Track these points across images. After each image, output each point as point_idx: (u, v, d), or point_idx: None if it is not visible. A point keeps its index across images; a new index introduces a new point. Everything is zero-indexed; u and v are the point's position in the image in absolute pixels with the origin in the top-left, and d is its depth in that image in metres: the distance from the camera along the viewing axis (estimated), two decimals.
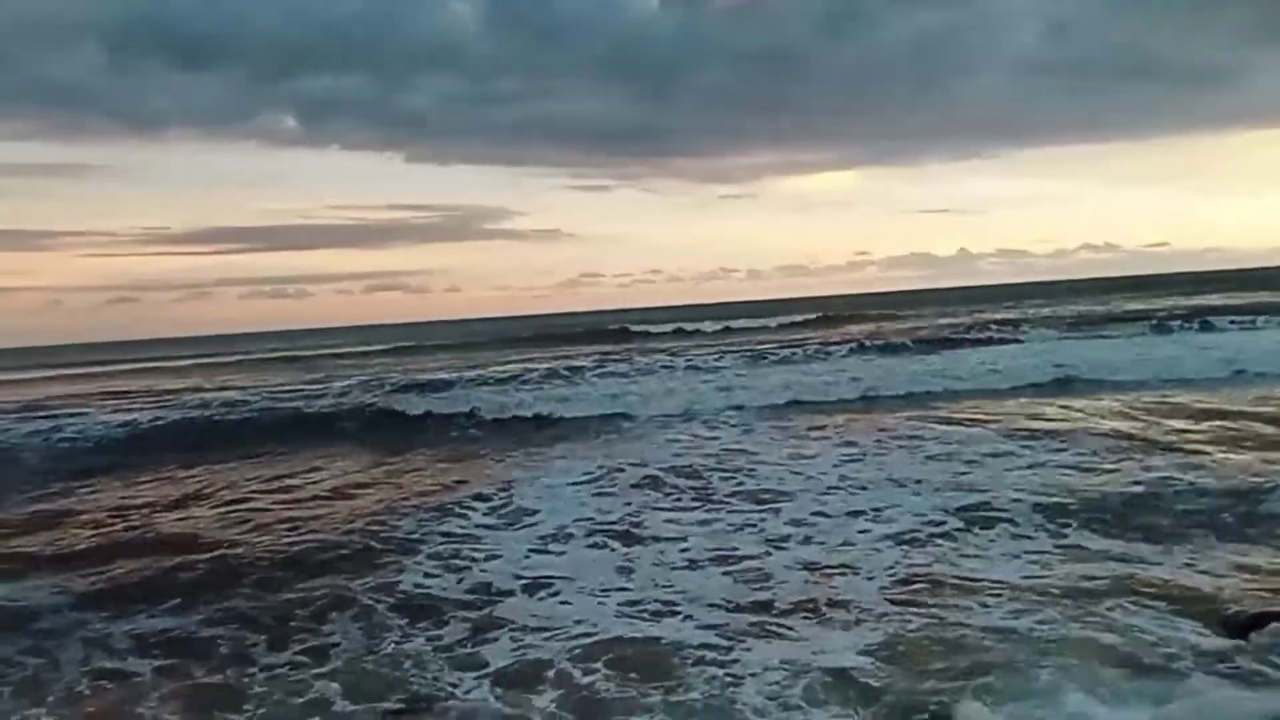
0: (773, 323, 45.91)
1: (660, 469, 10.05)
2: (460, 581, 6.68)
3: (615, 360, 23.53)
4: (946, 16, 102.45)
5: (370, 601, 6.22)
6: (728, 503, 8.61)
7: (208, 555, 7.58)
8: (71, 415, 17.15)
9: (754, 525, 7.73)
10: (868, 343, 24.81)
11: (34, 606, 6.42)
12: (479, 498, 9.22)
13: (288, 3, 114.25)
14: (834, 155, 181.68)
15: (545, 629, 5.64)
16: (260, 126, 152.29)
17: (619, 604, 6.02)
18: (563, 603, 6.17)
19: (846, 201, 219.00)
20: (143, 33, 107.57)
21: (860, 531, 7.38)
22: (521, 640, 5.50)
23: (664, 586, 6.31)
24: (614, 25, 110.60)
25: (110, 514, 9.70)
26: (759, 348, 25.60)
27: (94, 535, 8.73)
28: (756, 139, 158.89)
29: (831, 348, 24.15)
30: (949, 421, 12.25)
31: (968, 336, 25.94)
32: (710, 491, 9.05)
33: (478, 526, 8.24)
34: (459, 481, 10.42)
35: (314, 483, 10.90)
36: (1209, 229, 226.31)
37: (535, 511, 8.56)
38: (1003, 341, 24.40)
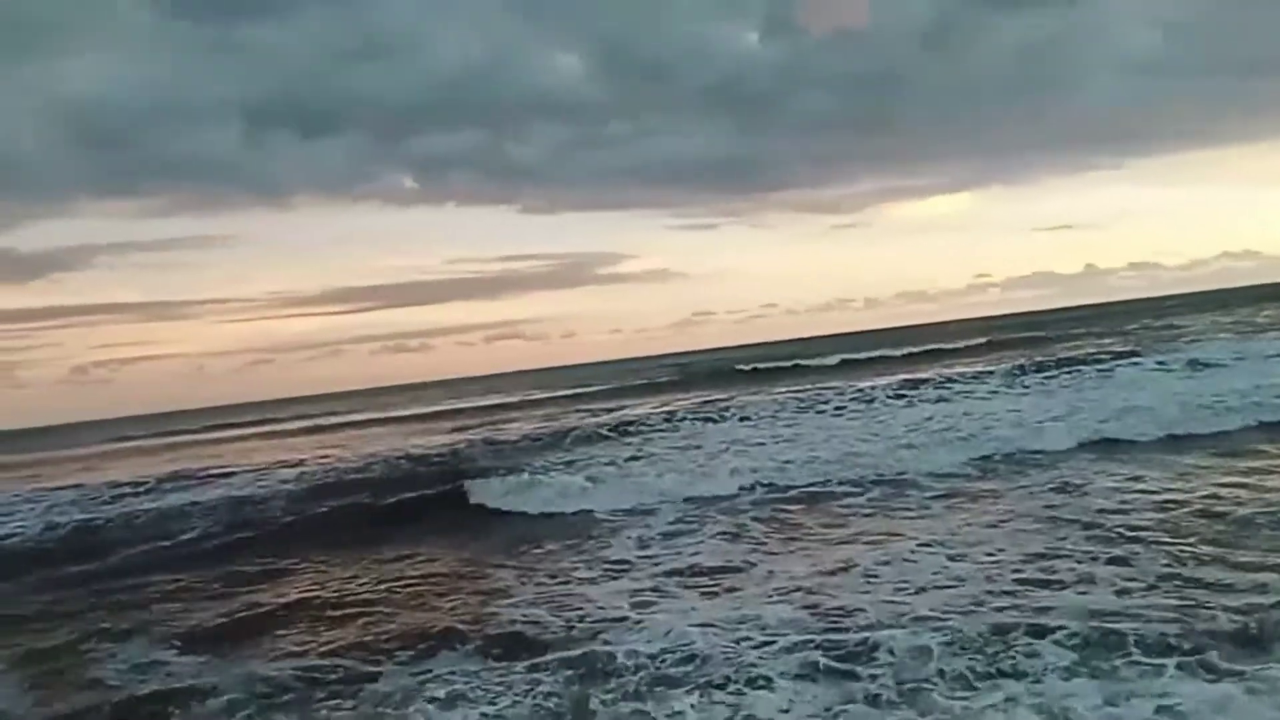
0: (898, 352, 43.63)
1: None
2: None
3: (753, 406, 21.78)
4: (1052, 21, 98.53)
5: None
6: None
7: None
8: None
9: None
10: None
11: None
12: None
13: (402, 67, 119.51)
14: (945, 178, 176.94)
15: None
16: (381, 187, 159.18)
17: None
18: None
19: (962, 224, 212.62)
20: (274, 106, 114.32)
21: None
22: None
23: None
24: (715, 60, 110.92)
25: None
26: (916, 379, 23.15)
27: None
28: (864, 166, 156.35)
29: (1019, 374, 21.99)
30: None
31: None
32: None
33: None
34: None
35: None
36: None
37: None
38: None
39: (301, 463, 20.25)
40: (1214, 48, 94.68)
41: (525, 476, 14.20)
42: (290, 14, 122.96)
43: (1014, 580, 7.24)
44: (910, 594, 7.22)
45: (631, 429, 20.10)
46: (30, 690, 7.25)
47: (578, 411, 29.11)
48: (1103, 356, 23.47)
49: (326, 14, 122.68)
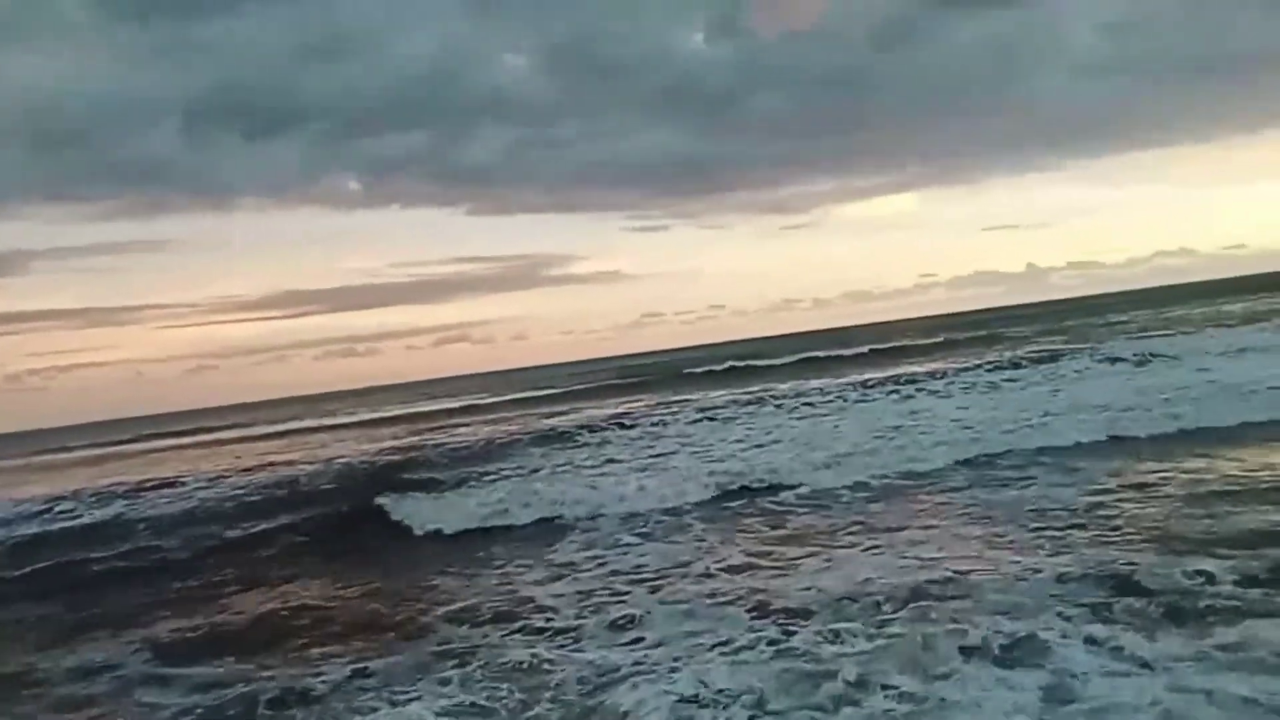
0: (849, 351, 43.70)
1: None
2: None
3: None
4: (1001, 23, 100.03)
5: None
6: None
7: None
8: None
9: None
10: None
11: None
12: None
13: (349, 68, 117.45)
14: (893, 178, 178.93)
15: None
16: (326, 190, 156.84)
17: None
18: None
19: (909, 224, 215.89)
20: (218, 108, 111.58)
21: None
22: None
23: None
24: (665, 61, 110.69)
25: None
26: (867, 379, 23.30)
27: None
28: (814, 166, 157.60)
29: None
30: None
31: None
32: None
33: None
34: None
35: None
36: None
37: None
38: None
39: (220, 479, 19.35)
40: (1156, 49, 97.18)
41: (446, 495, 13.46)
42: (235, 14, 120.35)
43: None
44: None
45: (580, 434, 19.60)
46: None
47: (524, 416, 28.55)
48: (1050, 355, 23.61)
49: (273, 15, 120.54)
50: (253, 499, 15.47)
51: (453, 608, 8.25)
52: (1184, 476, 9.98)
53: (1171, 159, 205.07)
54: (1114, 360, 21.41)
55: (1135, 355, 21.55)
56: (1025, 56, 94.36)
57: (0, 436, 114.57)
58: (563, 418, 24.43)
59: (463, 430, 25.39)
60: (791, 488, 11.93)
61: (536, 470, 15.56)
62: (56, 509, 16.39)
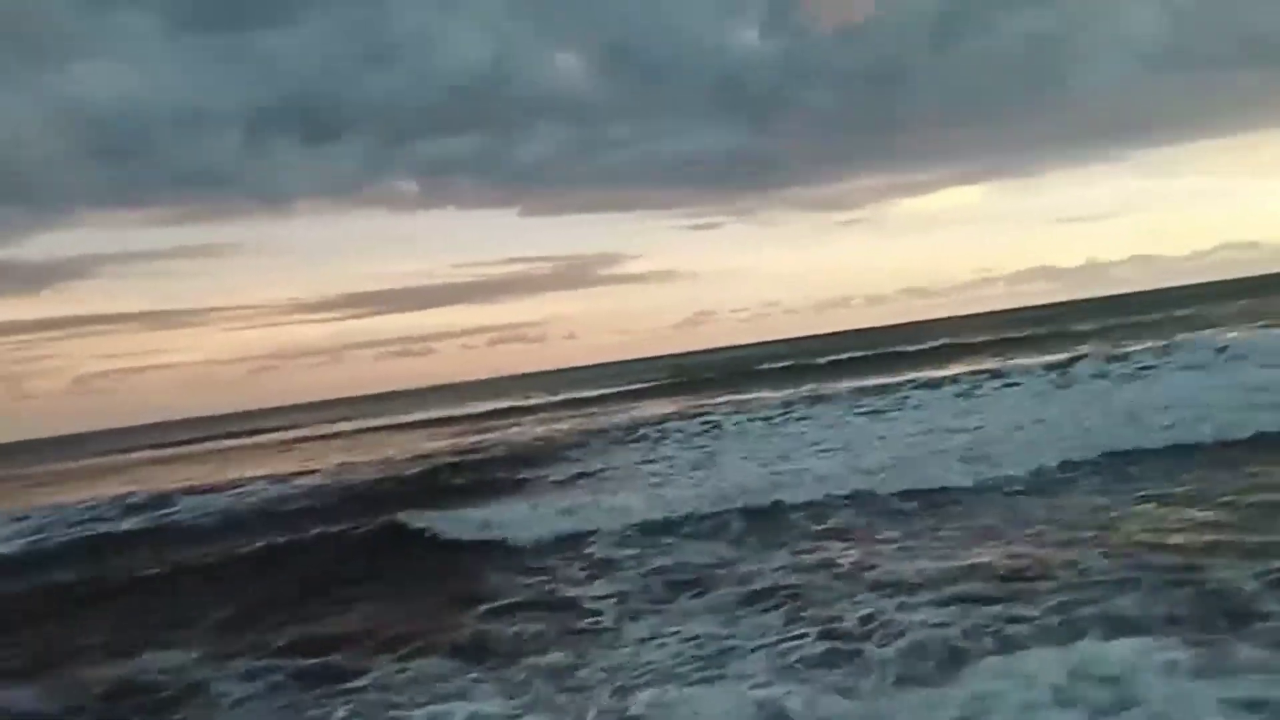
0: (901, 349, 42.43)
1: None
2: None
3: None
4: (1056, 12, 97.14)
5: None
6: None
7: None
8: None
9: None
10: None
11: None
12: None
13: (405, 72, 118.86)
14: (950, 172, 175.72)
15: None
16: (383, 192, 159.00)
17: None
18: None
19: (967, 218, 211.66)
20: (278, 113, 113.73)
21: None
22: None
23: None
24: (718, 59, 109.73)
25: None
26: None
27: None
28: (869, 161, 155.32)
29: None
30: None
31: None
32: None
33: None
34: None
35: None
36: None
37: None
38: None
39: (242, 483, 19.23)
40: (1222, 35, 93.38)
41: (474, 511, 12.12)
42: (295, 22, 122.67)
43: None
44: None
45: (636, 435, 19.22)
46: None
47: (574, 416, 28.26)
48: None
49: (330, 21, 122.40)
50: (331, 500, 15.72)
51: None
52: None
53: (1238, 147, 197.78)
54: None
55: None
56: (1085, 45, 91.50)
57: (71, 436, 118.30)
58: (622, 415, 24.07)
59: (512, 431, 25.23)
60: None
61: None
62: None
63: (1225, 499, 8.42)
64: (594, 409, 30.94)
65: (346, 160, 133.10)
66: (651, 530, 10.20)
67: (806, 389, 23.91)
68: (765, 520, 10.04)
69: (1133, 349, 22.11)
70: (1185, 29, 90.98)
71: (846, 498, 10.50)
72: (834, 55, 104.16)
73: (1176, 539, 7.33)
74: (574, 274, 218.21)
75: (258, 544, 11.86)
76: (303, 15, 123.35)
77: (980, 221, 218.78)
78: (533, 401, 42.50)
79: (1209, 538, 7.21)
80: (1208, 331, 25.84)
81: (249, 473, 21.67)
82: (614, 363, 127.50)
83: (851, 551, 8.34)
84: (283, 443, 36.55)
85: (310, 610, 8.82)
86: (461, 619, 7.78)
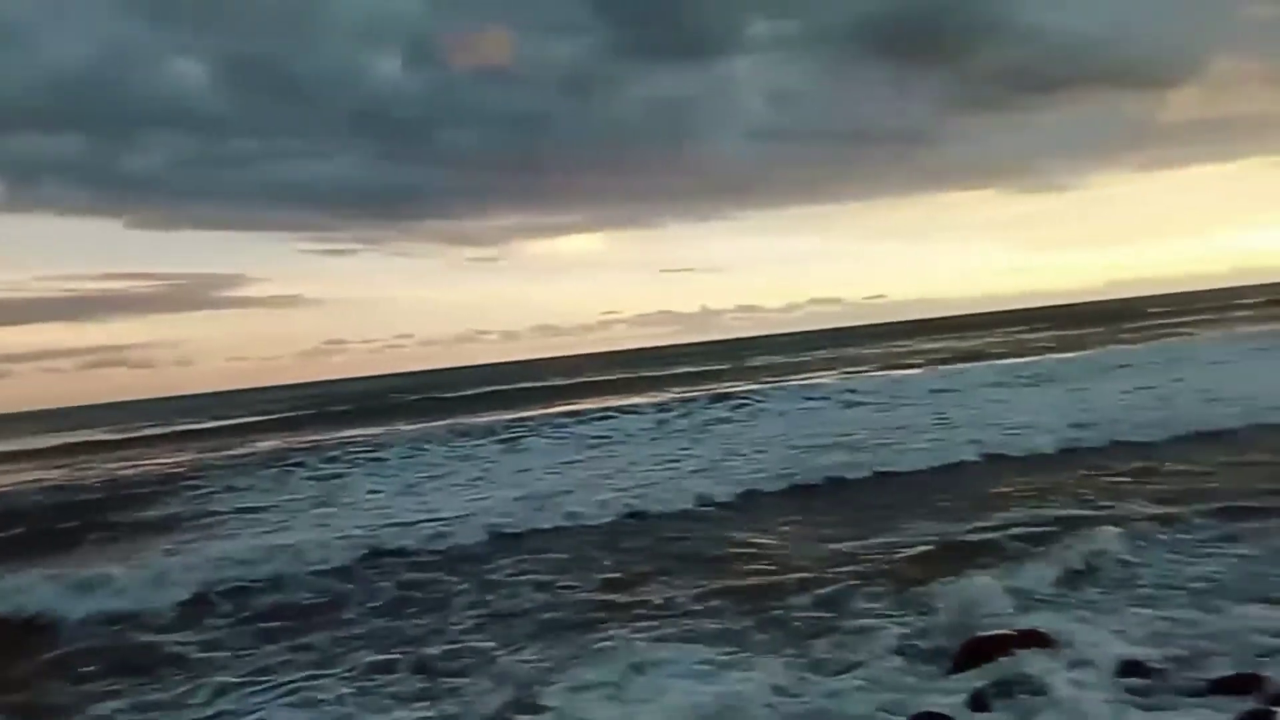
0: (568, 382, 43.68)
1: None
2: None
3: None
4: (681, 82, 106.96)
5: None
6: None
7: None
8: None
9: None
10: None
11: None
12: None
13: None
14: (581, 218, 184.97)
15: None
16: None
17: None
18: None
19: (594, 263, 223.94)
20: None
21: None
22: None
23: None
24: (357, 84, 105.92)
25: None
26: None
27: None
28: (504, 201, 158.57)
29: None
30: None
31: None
32: None
33: None
34: None
35: None
36: (922, 280, 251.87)
37: None
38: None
39: None
40: (816, 119, 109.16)
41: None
42: None
43: None
44: None
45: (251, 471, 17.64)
46: None
47: (177, 450, 25.49)
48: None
49: None
50: None
51: None
52: None
53: (828, 215, 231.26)
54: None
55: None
56: (704, 116, 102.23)
57: None
58: (239, 448, 22.08)
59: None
60: None
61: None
62: None
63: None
64: (202, 442, 28.16)
65: None
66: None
67: (443, 423, 23.73)
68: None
69: (736, 388, 24.81)
70: (787, 109, 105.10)
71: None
72: (474, 95, 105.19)
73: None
74: (188, 294, 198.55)
75: None
76: None
77: (607, 266, 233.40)
78: (122, 435, 37.48)
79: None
80: (796, 378, 29.73)
81: None
82: (231, 391, 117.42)
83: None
84: None
85: None
86: None
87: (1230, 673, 4.68)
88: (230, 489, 15.89)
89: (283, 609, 8.35)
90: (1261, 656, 4.91)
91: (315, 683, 6.22)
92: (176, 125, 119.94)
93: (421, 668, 6.35)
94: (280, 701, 5.96)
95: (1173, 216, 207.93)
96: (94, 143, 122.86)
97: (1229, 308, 53.27)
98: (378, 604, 8.26)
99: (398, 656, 6.61)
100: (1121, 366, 23.25)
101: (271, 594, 8.84)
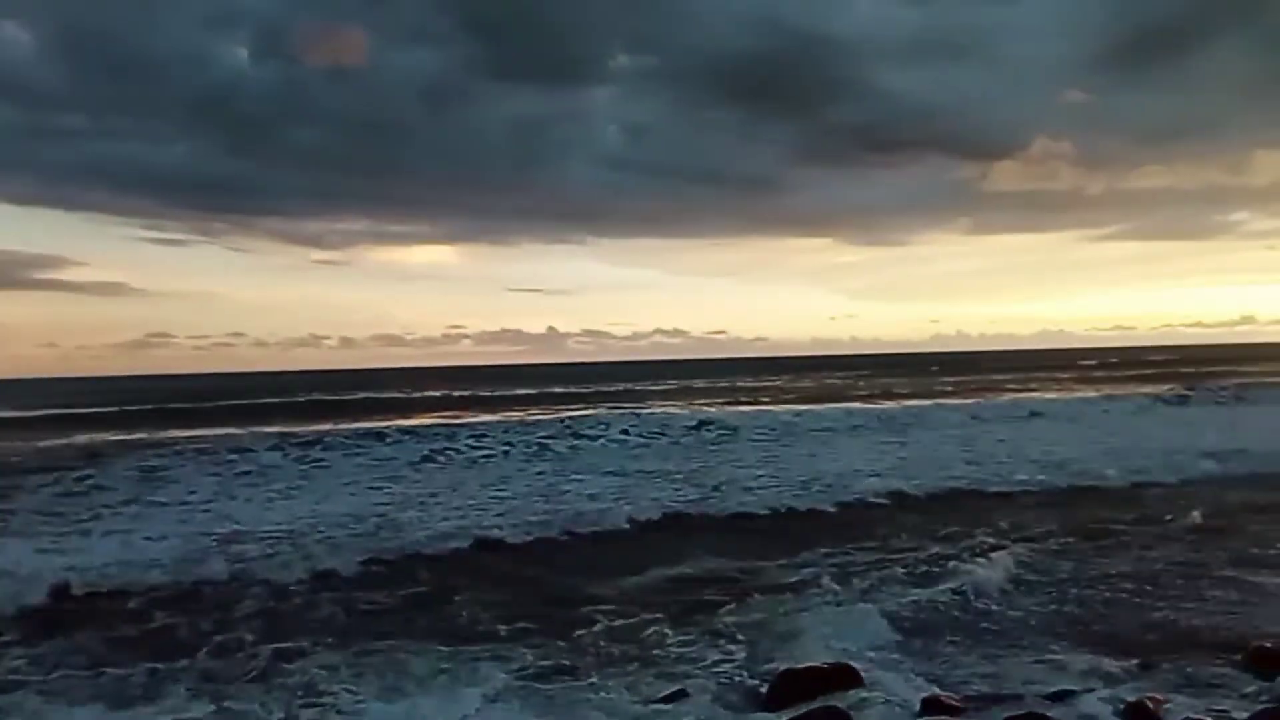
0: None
1: None
2: None
3: None
4: (540, 105, 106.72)
5: None
6: None
7: None
8: None
9: None
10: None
11: None
12: None
13: None
14: (431, 229, 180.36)
15: None
16: None
17: None
18: None
19: (442, 275, 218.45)
20: None
21: None
22: None
23: None
24: (201, 71, 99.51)
25: None
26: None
27: None
28: (352, 205, 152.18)
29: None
30: None
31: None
32: None
33: None
34: None
35: None
36: (759, 319, 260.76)
37: None
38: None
39: None
40: (667, 155, 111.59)
41: None
42: None
43: None
44: None
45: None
46: None
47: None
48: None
49: None
50: None
51: None
52: None
53: (673, 250, 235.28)
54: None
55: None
56: (558, 138, 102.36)
57: None
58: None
59: None
60: None
61: None
62: None
63: None
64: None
65: None
66: None
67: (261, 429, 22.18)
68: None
69: (586, 413, 24.52)
70: (642, 145, 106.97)
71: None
72: (325, 95, 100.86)
73: None
74: None
75: None
76: None
77: (455, 279, 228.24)
78: None
79: None
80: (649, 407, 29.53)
81: None
82: (34, 380, 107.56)
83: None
84: None
85: None
86: None
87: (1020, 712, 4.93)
88: None
89: None
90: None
91: None
92: None
93: None
94: None
95: (992, 279, 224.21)
96: None
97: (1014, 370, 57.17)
98: None
99: None
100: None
101: None
